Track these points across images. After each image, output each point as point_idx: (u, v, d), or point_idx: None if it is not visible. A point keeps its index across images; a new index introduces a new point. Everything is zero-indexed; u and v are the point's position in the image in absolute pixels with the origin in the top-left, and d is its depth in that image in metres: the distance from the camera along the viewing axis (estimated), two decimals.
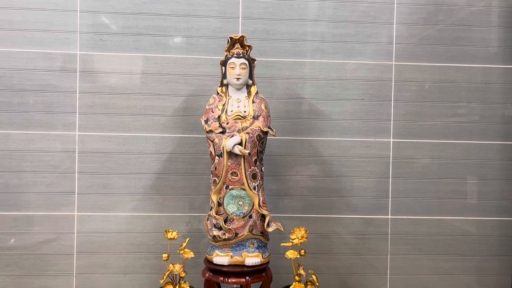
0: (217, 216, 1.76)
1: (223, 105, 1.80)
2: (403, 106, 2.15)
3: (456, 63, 2.16)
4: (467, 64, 2.16)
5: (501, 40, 2.16)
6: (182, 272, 1.79)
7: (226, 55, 1.81)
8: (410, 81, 2.15)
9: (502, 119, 2.17)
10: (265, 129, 1.77)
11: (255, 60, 1.84)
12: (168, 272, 1.78)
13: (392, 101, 2.15)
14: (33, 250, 2.05)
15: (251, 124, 1.77)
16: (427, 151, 2.16)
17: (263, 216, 1.78)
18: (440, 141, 2.16)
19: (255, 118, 1.78)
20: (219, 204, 1.77)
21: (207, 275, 1.79)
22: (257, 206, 1.75)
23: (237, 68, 1.78)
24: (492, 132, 2.17)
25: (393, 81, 2.14)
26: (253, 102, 1.81)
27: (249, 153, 1.73)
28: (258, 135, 1.75)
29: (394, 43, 2.14)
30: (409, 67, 2.15)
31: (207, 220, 1.82)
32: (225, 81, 1.82)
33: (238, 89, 1.81)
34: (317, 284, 1.82)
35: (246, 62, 1.79)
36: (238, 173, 1.75)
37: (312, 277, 1.82)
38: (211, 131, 1.76)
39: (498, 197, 2.18)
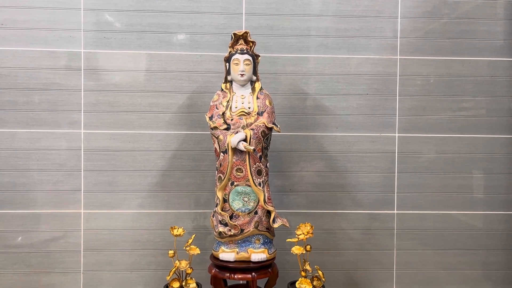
0: (222, 213, 1.76)
1: (228, 101, 1.80)
2: (408, 100, 2.14)
3: (462, 57, 2.14)
4: (472, 57, 2.14)
5: (507, 33, 2.15)
6: (189, 268, 1.79)
7: (230, 51, 1.81)
8: (415, 75, 2.14)
9: (509, 112, 2.16)
10: (270, 125, 1.76)
11: (259, 56, 1.83)
12: (174, 269, 1.78)
13: (397, 95, 2.14)
14: (40, 248, 2.06)
15: (255, 120, 1.77)
16: (432, 145, 2.15)
17: (268, 212, 1.78)
18: (445, 135, 2.15)
19: (260, 114, 1.78)
20: (225, 200, 1.77)
21: (213, 271, 1.80)
22: (263, 202, 1.75)
23: (241, 64, 1.77)
24: (499, 125, 2.16)
25: (398, 76, 2.13)
26: (257, 98, 1.80)
27: (254, 149, 1.73)
28: (263, 131, 1.75)
29: (398, 37, 2.13)
30: (414, 61, 2.13)
31: (213, 216, 1.82)
32: (229, 78, 1.82)
33: (242, 85, 1.81)
34: (323, 279, 1.82)
35: (250, 58, 1.79)
36: (243, 170, 1.75)
37: (318, 273, 1.82)
38: (215, 128, 1.76)
39: (504, 191, 2.16)
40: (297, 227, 1.81)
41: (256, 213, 1.77)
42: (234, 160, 1.75)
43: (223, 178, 1.76)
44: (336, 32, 2.11)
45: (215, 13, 2.08)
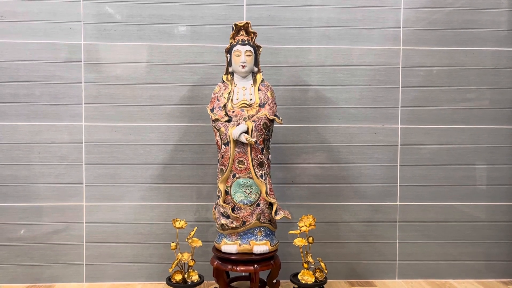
0: (224, 205, 1.75)
1: (229, 93, 1.78)
2: (411, 91, 2.12)
3: (465, 47, 2.12)
4: (476, 47, 2.12)
5: (511, 23, 2.12)
6: (191, 260, 1.79)
7: (231, 43, 1.79)
8: (418, 66, 2.12)
9: None
10: (272, 117, 1.75)
11: (261, 47, 1.82)
12: (176, 261, 1.78)
13: (400, 86, 2.12)
14: (42, 240, 2.07)
15: (257, 112, 1.76)
16: (435, 136, 2.13)
17: (270, 204, 1.78)
18: (448, 126, 2.14)
19: (261, 106, 1.77)
20: (227, 192, 1.77)
21: (215, 263, 1.80)
22: (265, 194, 1.75)
23: (242, 56, 1.76)
24: (502, 116, 2.14)
25: (400, 66, 2.12)
26: (259, 89, 1.79)
27: (256, 142, 1.72)
28: (265, 123, 1.74)
29: (401, 28, 2.10)
30: (417, 51, 2.11)
31: (215, 208, 1.82)
32: (230, 69, 1.81)
33: (244, 77, 1.80)
34: (326, 271, 1.82)
35: (251, 49, 1.77)
36: (245, 162, 1.74)
37: (320, 264, 1.82)
38: (217, 120, 1.75)
39: (507, 182, 2.15)
40: (299, 219, 1.81)
41: (258, 205, 1.77)
42: (235, 152, 1.74)
43: (225, 170, 1.75)
44: (338, 23, 2.09)
45: (216, 3, 2.07)
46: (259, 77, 1.81)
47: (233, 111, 1.76)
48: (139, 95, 2.07)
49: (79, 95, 2.06)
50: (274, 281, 1.87)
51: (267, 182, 1.77)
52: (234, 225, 1.76)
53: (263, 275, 1.89)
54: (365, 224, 2.14)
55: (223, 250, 1.78)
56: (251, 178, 1.75)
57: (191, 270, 1.81)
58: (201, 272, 1.88)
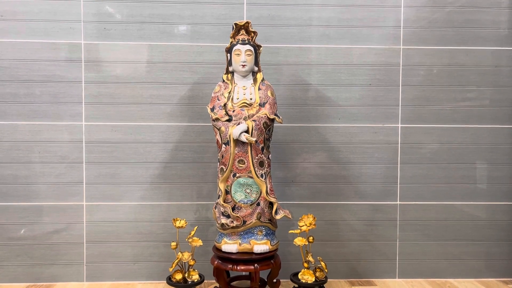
0: (225, 204, 1.75)
1: (229, 92, 1.78)
2: (411, 91, 2.12)
3: (465, 46, 2.12)
4: (476, 47, 2.12)
5: (511, 22, 2.12)
6: (191, 260, 1.79)
7: (231, 42, 1.79)
8: (418, 66, 2.12)
9: None
10: (272, 116, 1.75)
11: (261, 46, 1.82)
12: (177, 261, 1.78)
13: (400, 86, 2.12)
14: (43, 240, 2.07)
15: (257, 112, 1.75)
16: (436, 136, 2.13)
17: (270, 204, 1.78)
18: (449, 125, 2.14)
19: (262, 105, 1.77)
20: (227, 192, 1.77)
21: (216, 262, 1.80)
22: (265, 194, 1.75)
23: (242, 55, 1.76)
24: (502, 116, 2.14)
25: (401, 66, 2.11)
26: (259, 89, 1.79)
27: (256, 141, 1.72)
28: (265, 122, 1.74)
29: (401, 27, 2.10)
30: (417, 51, 2.11)
31: (215, 208, 1.82)
32: (230, 68, 1.81)
33: (244, 76, 1.80)
34: (326, 270, 1.82)
35: (252, 48, 1.77)
36: (245, 161, 1.74)
37: (320, 264, 1.82)
38: (217, 119, 1.75)
39: (508, 181, 2.15)
40: (300, 218, 1.81)
41: (258, 204, 1.77)
42: (236, 152, 1.74)
43: (225, 169, 1.75)
44: (339, 22, 2.09)
45: (216, 3, 2.06)
46: (259, 76, 1.81)
47: (233, 111, 1.76)
48: (139, 94, 2.07)
49: (79, 95, 2.06)
50: (275, 280, 1.87)
51: (267, 181, 1.76)
52: (234, 225, 1.76)
53: (264, 274, 1.89)
54: (366, 223, 2.14)
55: (223, 250, 1.78)
56: (251, 177, 1.75)
57: (192, 269, 1.81)
58: (202, 271, 1.88)
